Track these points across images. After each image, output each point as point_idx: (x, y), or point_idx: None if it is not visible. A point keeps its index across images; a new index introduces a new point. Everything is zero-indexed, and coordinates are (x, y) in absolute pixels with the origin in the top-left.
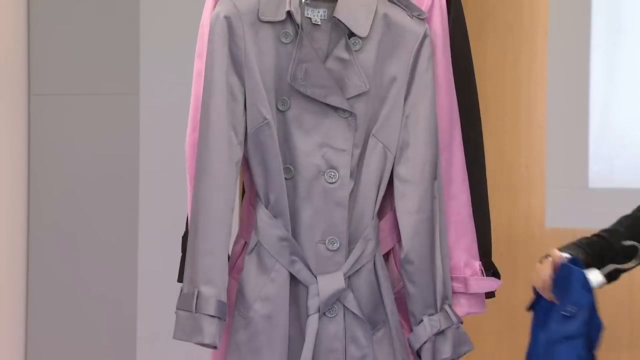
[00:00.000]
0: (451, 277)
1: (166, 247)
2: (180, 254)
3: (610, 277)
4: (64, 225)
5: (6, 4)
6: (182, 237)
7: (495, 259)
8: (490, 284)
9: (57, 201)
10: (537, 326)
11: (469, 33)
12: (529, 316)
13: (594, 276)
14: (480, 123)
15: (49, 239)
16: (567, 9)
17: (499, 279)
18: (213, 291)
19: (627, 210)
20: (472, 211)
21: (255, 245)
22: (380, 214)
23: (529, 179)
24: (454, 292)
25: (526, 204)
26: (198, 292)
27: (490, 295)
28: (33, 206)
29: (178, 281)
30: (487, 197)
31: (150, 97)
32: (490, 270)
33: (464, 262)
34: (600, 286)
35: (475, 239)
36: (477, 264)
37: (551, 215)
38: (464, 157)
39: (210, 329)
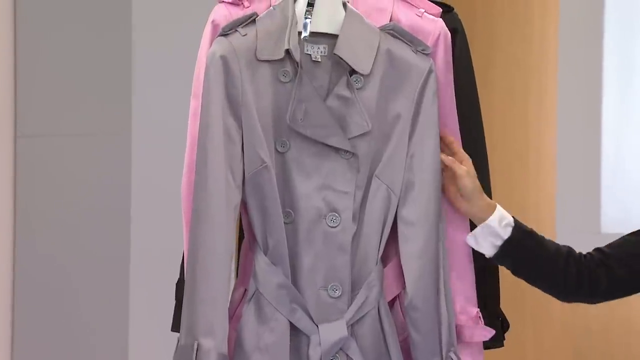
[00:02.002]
0: None
1: (159, 294)
2: (174, 302)
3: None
4: (52, 275)
5: None
6: (176, 283)
7: (503, 306)
8: (483, 333)
9: (45, 248)
10: None
11: (475, 70)
12: None
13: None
14: (488, 164)
15: (38, 286)
16: (578, 45)
17: (508, 326)
18: (213, 343)
19: None
20: (472, 254)
21: (254, 294)
22: (384, 259)
23: (538, 223)
24: None
25: None
26: (198, 345)
27: (498, 344)
28: (20, 254)
29: (172, 330)
30: None
31: (142, 137)
32: (499, 317)
33: (460, 307)
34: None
35: (474, 284)
36: (475, 311)
37: None
38: None
39: None
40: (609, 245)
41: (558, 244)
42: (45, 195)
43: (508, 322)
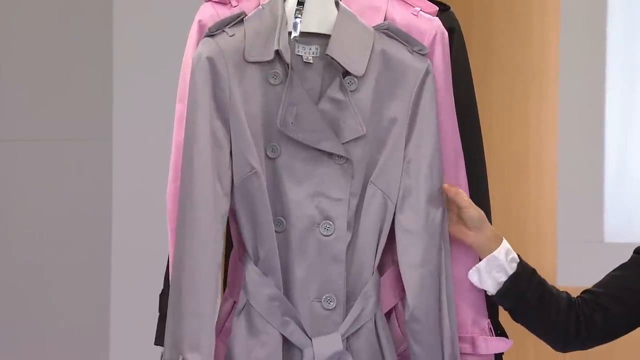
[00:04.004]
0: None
1: (141, 307)
2: (158, 314)
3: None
4: (29, 285)
5: None
6: (160, 295)
7: (502, 319)
8: (499, 344)
9: (22, 257)
10: None
11: (473, 73)
12: None
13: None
14: (485, 172)
15: (13, 296)
16: (580, 49)
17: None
18: (199, 358)
19: None
20: None
21: (244, 306)
22: (380, 269)
23: (539, 233)
24: (460, 354)
25: (536, 260)
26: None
27: (498, 357)
28: None
29: (155, 344)
30: None
31: (124, 142)
32: (498, 331)
33: (472, 319)
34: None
35: (484, 295)
36: (486, 322)
37: (563, 273)
38: None
39: None
40: (597, 285)
41: (557, 288)
42: (21, 202)
43: (507, 335)
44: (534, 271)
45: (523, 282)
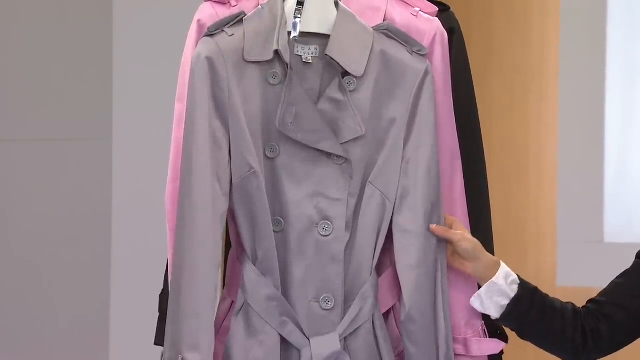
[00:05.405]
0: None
1: (141, 306)
2: (158, 314)
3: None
4: (29, 285)
5: None
6: (160, 295)
7: None
8: (492, 345)
9: (22, 257)
10: None
11: (473, 73)
12: None
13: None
14: (485, 172)
15: (13, 296)
16: (580, 48)
17: (506, 340)
18: (199, 357)
19: None
20: None
21: (242, 306)
22: (379, 269)
23: (539, 233)
24: (454, 355)
25: (536, 261)
26: (182, 359)
27: (497, 358)
28: None
29: (155, 344)
30: (494, 253)
31: (124, 142)
32: (497, 331)
33: (465, 321)
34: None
35: None
36: (480, 324)
37: (563, 273)
38: (466, 207)
39: None
40: (601, 294)
41: (561, 301)
42: (21, 202)
43: (507, 335)
44: (535, 289)
45: (525, 303)
